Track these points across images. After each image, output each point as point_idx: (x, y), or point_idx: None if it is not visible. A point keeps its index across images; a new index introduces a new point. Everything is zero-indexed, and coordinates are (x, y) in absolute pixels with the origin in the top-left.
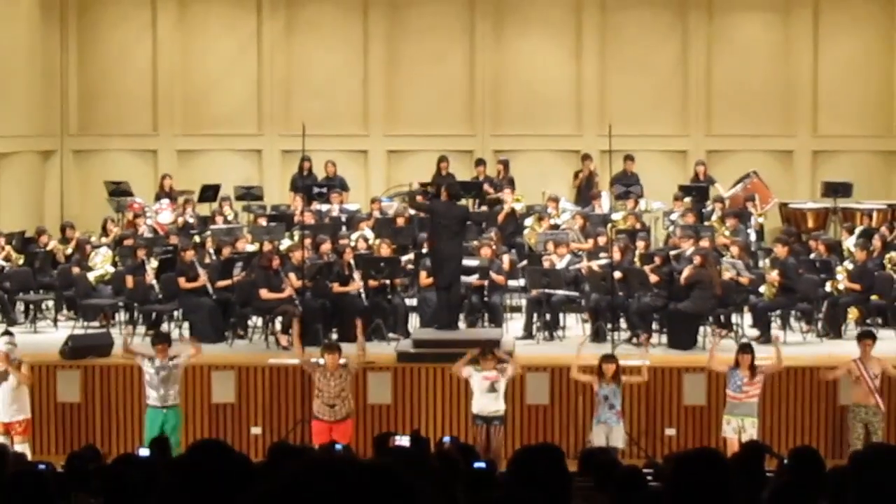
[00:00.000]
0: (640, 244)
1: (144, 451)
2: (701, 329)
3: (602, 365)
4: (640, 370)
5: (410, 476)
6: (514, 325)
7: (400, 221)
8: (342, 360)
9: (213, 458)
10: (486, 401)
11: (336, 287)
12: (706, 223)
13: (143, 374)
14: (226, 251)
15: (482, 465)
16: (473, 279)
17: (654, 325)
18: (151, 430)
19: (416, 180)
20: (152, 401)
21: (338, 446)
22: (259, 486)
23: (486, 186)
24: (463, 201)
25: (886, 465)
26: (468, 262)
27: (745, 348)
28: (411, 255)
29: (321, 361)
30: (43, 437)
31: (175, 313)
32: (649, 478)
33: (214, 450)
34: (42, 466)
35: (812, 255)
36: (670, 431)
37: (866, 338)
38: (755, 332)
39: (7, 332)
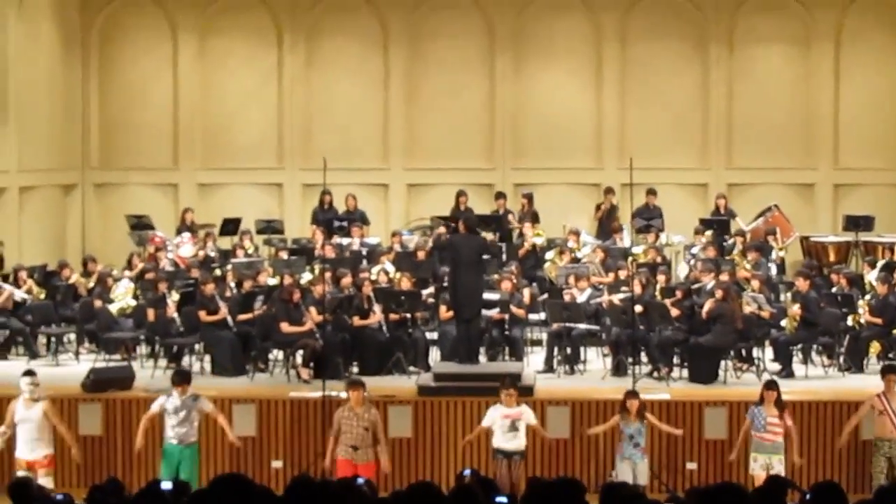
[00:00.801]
0: (661, 278)
1: (167, 485)
2: (722, 363)
3: (626, 401)
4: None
5: None
6: (534, 359)
7: (420, 255)
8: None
9: (234, 492)
10: (507, 438)
11: (356, 320)
12: (727, 257)
13: (163, 410)
14: (247, 284)
15: (503, 499)
16: (494, 313)
17: (675, 359)
18: (169, 465)
19: (432, 215)
20: (170, 437)
21: (360, 480)
22: None
23: (509, 217)
24: (484, 234)
25: None
26: (489, 295)
27: (771, 385)
28: (432, 289)
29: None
30: (65, 470)
31: (196, 346)
32: None
33: (236, 484)
34: (60, 497)
35: (834, 289)
36: (691, 465)
37: (890, 372)
38: (776, 367)
39: (29, 372)
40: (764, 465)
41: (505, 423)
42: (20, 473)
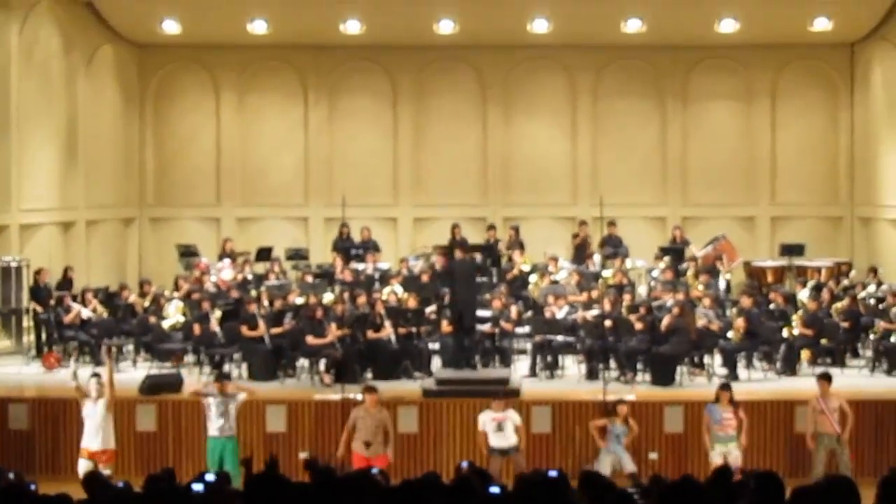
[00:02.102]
0: (627, 297)
1: (210, 477)
2: (678, 369)
3: (616, 406)
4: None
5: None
6: (520, 366)
7: (424, 278)
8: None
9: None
10: (497, 437)
11: (370, 334)
12: (682, 278)
13: (206, 408)
14: (278, 303)
15: (496, 489)
16: (486, 327)
17: (639, 366)
18: (213, 456)
19: (433, 244)
20: (212, 431)
21: (374, 469)
22: None
23: (500, 246)
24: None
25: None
26: (482, 312)
27: (725, 387)
28: (434, 306)
29: (359, 397)
30: (125, 462)
31: (235, 356)
32: (636, 497)
33: (273, 482)
34: (121, 485)
35: (772, 305)
36: (653, 455)
37: (824, 379)
38: (724, 371)
39: (96, 374)
40: (721, 453)
41: (493, 425)
42: (82, 461)
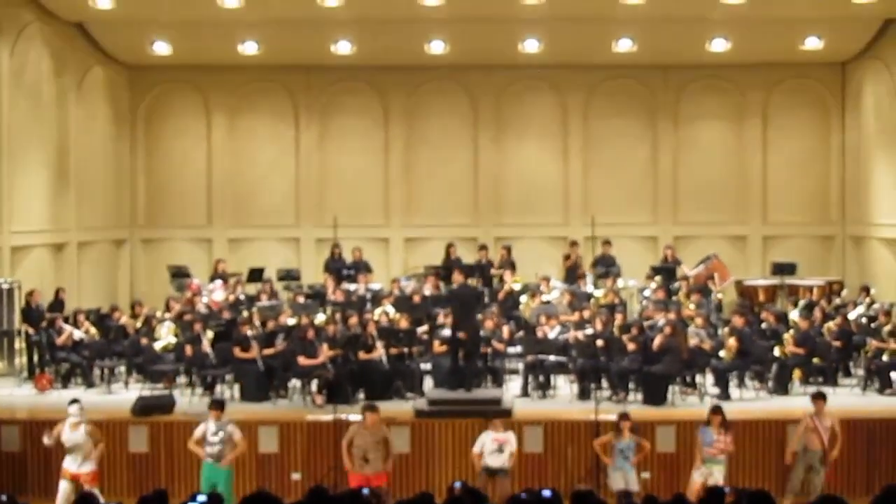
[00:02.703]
0: (619, 316)
1: (202, 498)
2: (670, 388)
3: (620, 422)
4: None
5: None
6: (513, 385)
7: (416, 298)
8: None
9: None
10: (493, 458)
11: (362, 354)
12: (674, 298)
13: (205, 434)
14: (270, 324)
15: None
16: (479, 346)
17: (631, 385)
18: (206, 482)
19: (425, 265)
20: (208, 456)
21: (364, 490)
22: None
23: (493, 269)
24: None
25: None
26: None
27: (716, 410)
28: (426, 327)
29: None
30: (116, 483)
31: (227, 377)
32: None
33: (265, 501)
34: None
35: (763, 325)
36: (645, 475)
37: (819, 398)
38: (716, 391)
39: (75, 401)
40: (703, 473)
41: (494, 445)
42: (63, 482)
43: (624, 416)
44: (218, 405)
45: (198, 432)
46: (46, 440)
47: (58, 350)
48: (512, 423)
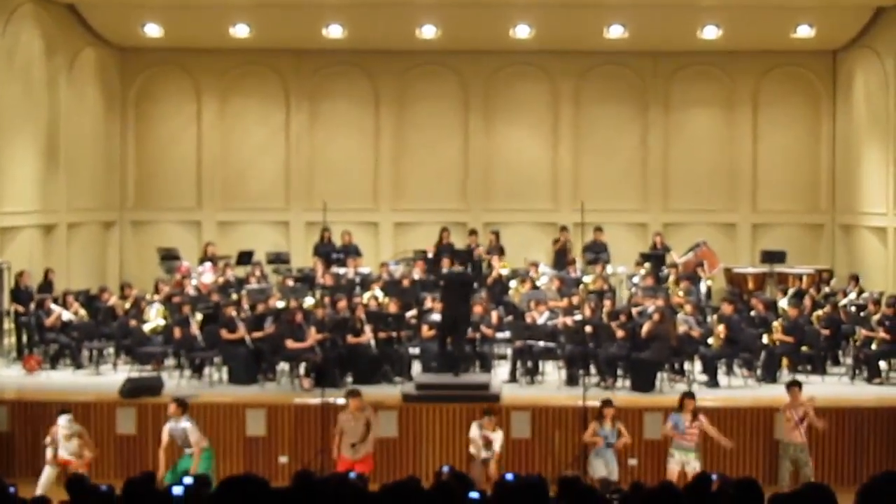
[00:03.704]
0: (608, 303)
1: (188, 480)
2: (659, 375)
3: (602, 409)
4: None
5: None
6: (501, 371)
7: (405, 282)
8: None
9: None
10: (482, 451)
11: (350, 338)
12: (663, 285)
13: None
14: (259, 307)
15: (476, 495)
16: (467, 332)
17: (619, 372)
18: (174, 471)
19: (414, 249)
20: (186, 450)
21: (352, 474)
22: None
23: (479, 250)
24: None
25: None
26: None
27: (689, 395)
28: (414, 311)
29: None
30: (104, 465)
31: (215, 359)
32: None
33: (246, 484)
34: (104, 488)
35: (752, 313)
36: (632, 461)
37: (794, 386)
38: (704, 378)
39: (64, 411)
40: (679, 461)
41: (481, 441)
42: (49, 469)
43: (607, 403)
44: (181, 402)
45: (164, 437)
46: (47, 441)
47: (46, 331)
48: (500, 409)
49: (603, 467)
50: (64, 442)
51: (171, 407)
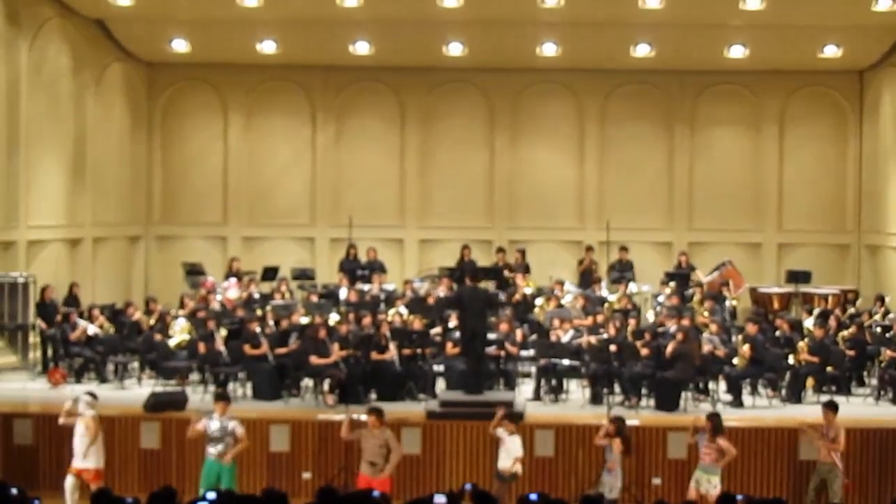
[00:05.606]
0: (632, 322)
1: (211, 495)
2: (683, 394)
3: (610, 426)
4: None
5: None
6: (525, 389)
7: (430, 300)
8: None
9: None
10: (499, 458)
11: (375, 355)
12: (688, 304)
13: (206, 429)
14: (283, 323)
15: None
16: (492, 350)
17: (644, 391)
18: (208, 478)
19: (439, 266)
20: (211, 454)
21: (375, 493)
22: None
23: (506, 272)
24: (484, 284)
25: None
26: (488, 335)
27: (709, 417)
28: (439, 329)
29: (363, 417)
30: (127, 478)
31: (239, 375)
32: None
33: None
34: (130, 501)
35: (777, 333)
36: (656, 481)
37: (829, 408)
38: (729, 398)
39: (90, 393)
40: (697, 479)
41: (497, 444)
42: (69, 478)
43: (612, 421)
44: (223, 397)
45: (199, 426)
46: (61, 420)
47: (71, 345)
48: (523, 427)
49: (607, 486)
50: (78, 421)
51: (220, 406)
